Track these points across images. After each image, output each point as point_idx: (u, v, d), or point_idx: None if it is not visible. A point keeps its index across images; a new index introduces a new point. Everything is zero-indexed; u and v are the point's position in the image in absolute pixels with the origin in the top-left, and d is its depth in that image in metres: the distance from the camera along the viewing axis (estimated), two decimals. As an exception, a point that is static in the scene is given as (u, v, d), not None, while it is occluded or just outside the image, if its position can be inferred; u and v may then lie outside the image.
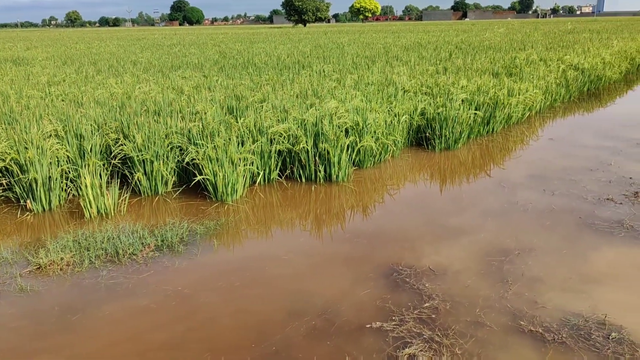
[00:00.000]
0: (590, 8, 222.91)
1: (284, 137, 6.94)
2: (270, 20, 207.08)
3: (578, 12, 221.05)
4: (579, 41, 21.90)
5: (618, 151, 7.69)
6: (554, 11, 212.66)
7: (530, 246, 4.63)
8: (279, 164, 6.92)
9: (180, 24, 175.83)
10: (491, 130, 9.04)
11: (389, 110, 8.29)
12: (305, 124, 7.07)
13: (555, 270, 4.18)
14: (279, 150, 6.91)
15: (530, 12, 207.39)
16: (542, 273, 4.15)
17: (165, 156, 6.59)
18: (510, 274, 4.16)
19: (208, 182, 6.20)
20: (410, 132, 8.40)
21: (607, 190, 6.00)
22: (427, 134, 8.22)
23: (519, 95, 9.89)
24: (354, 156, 7.18)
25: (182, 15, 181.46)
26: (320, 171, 6.77)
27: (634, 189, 5.97)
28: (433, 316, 3.60)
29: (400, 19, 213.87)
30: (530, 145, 8.34)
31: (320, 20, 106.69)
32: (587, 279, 4.04)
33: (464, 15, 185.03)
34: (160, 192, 6.47)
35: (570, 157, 7.50)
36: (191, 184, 6.45)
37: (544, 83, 11.36)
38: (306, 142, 6.80)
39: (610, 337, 3.29)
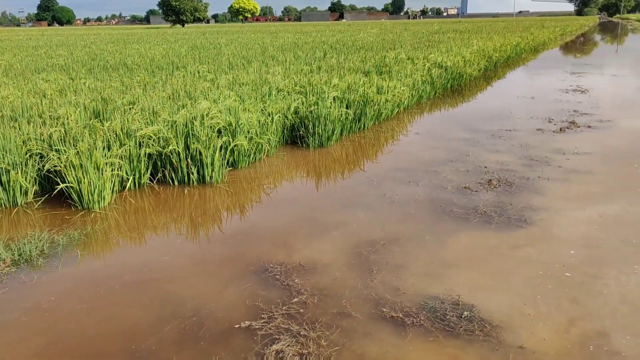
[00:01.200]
0: (456, 10, 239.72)
1: (154, 139, 6.70)
2: (147, 20, 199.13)
3: (445, 14, 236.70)
4: (443, 41, 23.41)
5: (476, 142, 8.31)
6: (423, 13, 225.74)
7: (395, 236, 4.86)
8: (150, 167, 6.67)
9: (49, 25, 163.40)
10: (363, 126, 9.37)
11: (262, 110, 8.30)
12: (175, 126, 6.88)
13: (417, 257, 4.42)
14: (149, 153, 6.66)
15: (402, 13, 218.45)
16: (405, 260, 4.37)
17: (23, 164, 6.09)
18: (376, 263, 4.33)
19: (72, 190, 5.82)
20: (285, 130, 8.48)
21: (465, 179, 6.46)
22: (301, 132, 8.35)
23: (387, 92, 10.36)
24: (228, 156, 7.10)
25: (50, 15, 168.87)
26: (193, 173, 6.62)
27: (488, 177, 6.49)
28: (301, 311, 3.65)
29: (280, 19, 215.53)
30: (399, 140, 8.77)
31: (199, 20, 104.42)
32: (444, 263, 4.32)
33: (341, 16, 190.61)
34: (19, 203, 5.97)
35: (433, 150, 7.99)
36: (53, 192, 6.01)
37: (411, 80, 12.00)
38: (177, 143, 6.61)
39: (463, 316, 3.54)
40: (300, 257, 4.48)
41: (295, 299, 3.80)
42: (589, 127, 9.20)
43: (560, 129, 8.99)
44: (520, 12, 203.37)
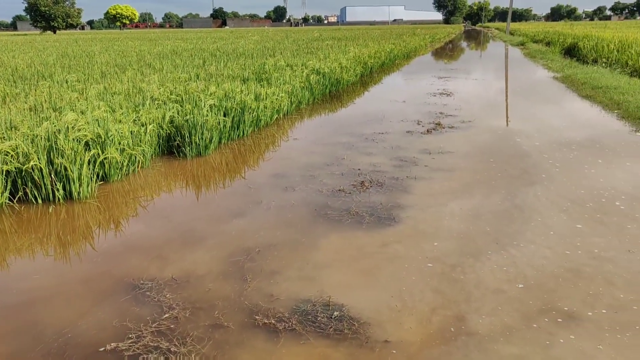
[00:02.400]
0: (336, 18, 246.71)
1: (12, 155, 6.20)
2: (13, 26, 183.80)
3: (326, 22, 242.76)
4: (322, 48, 24.01)
5: (351, 146, 8.61)
6: (305, 20, 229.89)
7: (270, 242, 4.90)
8: (9, 186, 6.16)
9: None
10: (242, 134, 9.35)
11: (135, 120, 8.00)
12: (37, 140, 6.42)
13: (291, 262, 4.49)
14: (7, 170, 6.15)
15: (284, 20, 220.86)
16: (279, 266, 4.42)
17: None
18: (251, 271, 4.34)
19: None
20: (161, 141, 8.23)
21: (340, 182, 6.67)
22: (178, 142, 8.15)
23: (266, 99, 10.43)
24: (98, 170, 6.75)
25: None
26: (58, 190, 6.21)
27: (361, 179, 6.75)
28: (172, 326, 3.56)
29: (161, 26, 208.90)
30: (278, 146, 8.86)
31: (72, 27, 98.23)
32: (317, 266, 4.42)
33: (224, 23, 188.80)
34: None
35: (311, 155, 8.16)
36: None
37: (290, 87, 12.17)
38: (38, 159, 6.17)
39: (333, 316, 3.65)
40: (173, 271, 4.36)
41: (166, 315, 3.70)
42: (452, 127, 9.89)
43: (428, 131, 9.58)
44: (395, 20, 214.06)
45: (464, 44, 48.94)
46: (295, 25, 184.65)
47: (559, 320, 3.62)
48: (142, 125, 7.89)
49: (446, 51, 37.23)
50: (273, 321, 3.60)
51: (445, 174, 6.96)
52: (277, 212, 5.70)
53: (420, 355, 3.28)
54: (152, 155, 7.89)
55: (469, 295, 3.93)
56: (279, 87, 11.73)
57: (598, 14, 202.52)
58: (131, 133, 7.46)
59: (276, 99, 10.85)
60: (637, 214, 5.43)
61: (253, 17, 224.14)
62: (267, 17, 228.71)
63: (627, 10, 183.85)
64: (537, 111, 11.68)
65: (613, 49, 19.94)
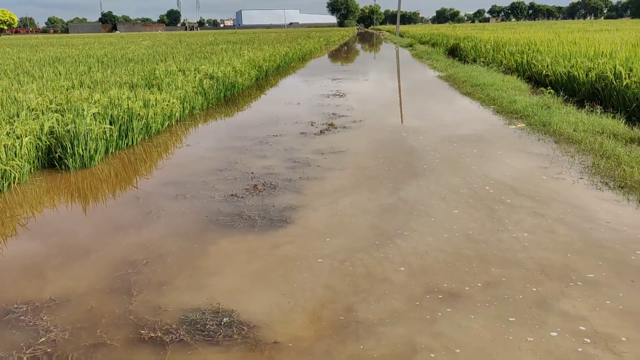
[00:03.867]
0: (232, 21, 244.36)
1: None
2: None
3: (222, 25, 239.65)
4: (216, 52, 23.68)
5: (245, 150, 8.56)
6: (200, 24, 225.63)
7: (159, 252, 4.75)
8: None
9: None
10: (131, 142, 8.99)
11: (9, 133, 7.43)
12: None
13: (180, 271, 4.39)
14: None
15: (178, 24, 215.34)
16: (168, 276, 4.30)
17: None
18: (137, 284, 4.18)
19: None
20: (40, 153, 7.71)
21: (232, 186, 6.61)
22: (59, 154, 7.68)
23: (156, 105, 10.10)
24: (-34, 189, 6.21)
25: None
26: None
27: (254, 183, 6.73)
28: (49, 350, 3.35)
29: (44, 31, 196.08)
30: (170, 154, 8.61)
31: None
32: (208, 273, 4.35)
33: (114, 28, 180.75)
34: None
35: (204, 160, 8.02)
36: None
37: (183, 92, 11.89)
38: None
39: (222, 323, 3.61)
40: (53, 290, 4.10)
41: (43, 339, 3.47)
42: (345, 127, 10.14)
43: (321, 132, 9.75)
44: (291, 23, 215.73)
45: (357, 46, 50.38)
46: (191, 29, 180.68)
47: (440, 297, 3.85)
48: (18, 138, 7.36)
49: (341, 53, 38.12)
50: (160, 334, 3.49)
51: (336, 172, 7.12)
52: (167, 221, 5.54)
53: (311, 348, 3.33)
54: (30, 169, 7.38)
55: (357, 286, 4.05)
56: (170, 93, 11.42)
57: (478, 16, 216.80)
58: (5, 147, 6.93)
59: (167, 105, 10.55)
60: (505, 197, 5.88)
61: (145, 22, 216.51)
62: (161, 21, 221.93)
63: (502, 13, 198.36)
64: (422, 109, 12.28)
65: (489, 49, 21.40)
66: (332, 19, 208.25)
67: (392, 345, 3.35)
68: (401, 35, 60.82)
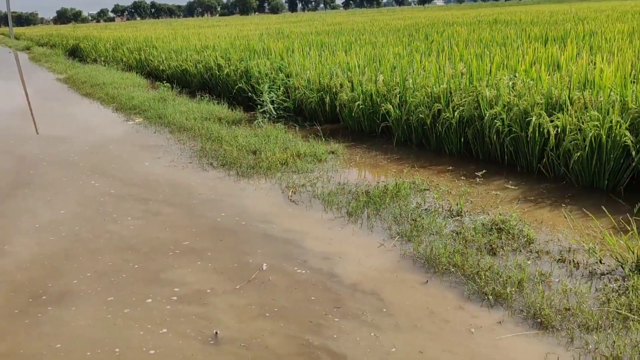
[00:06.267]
0: None
1: None
2: None
3: None
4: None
5: None
6: None
7: None
8: None
9: None
10: None
11: None
12: None
13: None
14: None
15: None
16: None
17: None
18: None
19: None
20: None
21: None
22: None
23: None
24: None
25: None
26: None
27: None
28: None
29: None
30: None
31: None
32: None
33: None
34: None
35: None
36: None
37: None
38: None
39: None
40: None
41: None
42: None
43: None
44: None
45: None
46: None
47: (44, 298, 3.76)
48: None
49: None
50: None
51: None
52: None
53: None
54: None
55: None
56: None
57: (102, 16, 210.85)
58: None
59: None
60: (114, 190, 6.05)
61: None
62: None
63: (127, 12, 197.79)
64: (38, 114, 11.43)
65: (109, 48, 21.18)
66: None
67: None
68: (17, 38, 54.65)
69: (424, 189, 5.52)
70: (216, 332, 3.29)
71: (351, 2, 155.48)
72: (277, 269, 4.07)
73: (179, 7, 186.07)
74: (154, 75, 15.72)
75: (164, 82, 13.56)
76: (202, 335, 3.30)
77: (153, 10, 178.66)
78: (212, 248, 4.51)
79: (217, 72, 12.02)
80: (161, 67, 15.16)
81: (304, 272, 4.00)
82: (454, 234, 4.43)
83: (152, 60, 16.25)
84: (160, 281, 4.00)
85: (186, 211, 5.38)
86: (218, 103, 10.66)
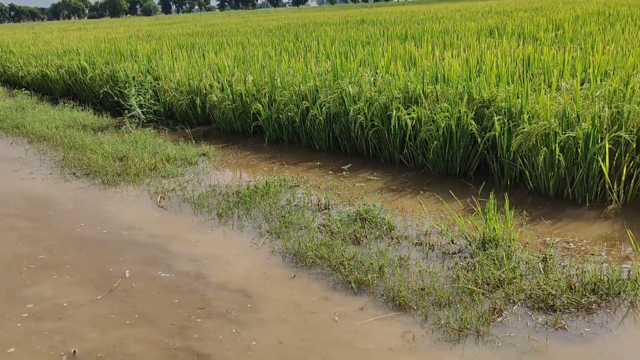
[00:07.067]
0: None
1: None
2: None
3: None
4: None
5: None
6: None
7: None
8: None
9: None
10: None
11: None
12: None
13: None
14: None
15: None
16: None
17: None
18: None
19: None
20: None
21: None
22: None
23: None
24: None
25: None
26: None
27: None
28: None
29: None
30: None
31: None
32: None
33: None
34: None
35: None
36: None
37: None
38: None
39: None
40: None
41: None
42: None
43: None
44: None
45: None
46: None
47: None
48: None
49: None
50: None
51: None
52: None
53: None
54: None
55: None
56: None
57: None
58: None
59: None
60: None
61: None
62: None
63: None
64: None
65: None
66: None
67: None
68: None
69: (294, 185, 5.61)
70: (74, 351, 3.11)
71: (226, 3, 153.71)
72: (140, 275, 3.93)
73: (42, 9, 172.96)
74: (12, 82, 14.52)
75: (23, 89, 12.57)
76: (55, 350, 3.10)
77: (13, 13, 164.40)
78: (71, 260, 4.25)
79: (82, 77, 11.35)
80: (20, 73, 14.02)
81: (168, 275, 3.91)
82: (321, 227, 4.55)
83: (9, 67, 14.99)
84: (12, 298, 3.71)
85: (43, 224, 5.03)
86: (83, 109, 10.08)
